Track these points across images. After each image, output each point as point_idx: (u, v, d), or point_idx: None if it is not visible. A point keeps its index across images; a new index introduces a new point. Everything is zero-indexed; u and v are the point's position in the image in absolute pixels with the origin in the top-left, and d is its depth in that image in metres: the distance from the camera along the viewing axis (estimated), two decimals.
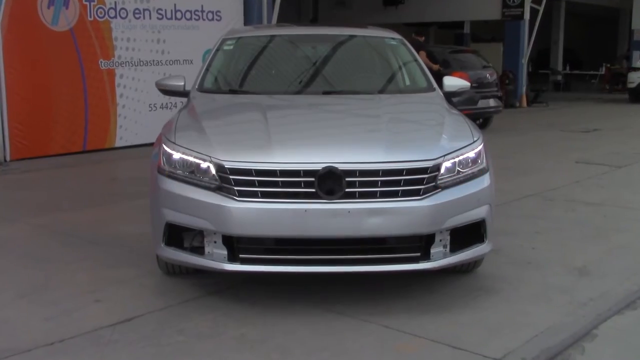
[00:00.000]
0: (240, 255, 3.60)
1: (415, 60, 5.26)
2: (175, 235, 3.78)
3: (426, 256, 3.67)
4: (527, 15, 17.48)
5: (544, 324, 3.63)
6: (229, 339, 3.45)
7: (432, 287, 4.13)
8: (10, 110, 8.78)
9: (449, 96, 5.00)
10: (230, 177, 3.56)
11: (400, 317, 3.68)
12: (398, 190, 3.55)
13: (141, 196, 6.26)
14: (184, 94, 4.92)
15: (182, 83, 4.92)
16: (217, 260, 3.63)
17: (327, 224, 3.49)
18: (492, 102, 12.43)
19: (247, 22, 11.45)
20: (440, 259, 3.69)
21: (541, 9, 17.21)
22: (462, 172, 3.76)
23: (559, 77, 23.27)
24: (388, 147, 3.70)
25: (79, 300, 3.93)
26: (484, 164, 3.91)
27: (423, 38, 12.26)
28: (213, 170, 3.61)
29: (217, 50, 5.26)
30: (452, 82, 5.05)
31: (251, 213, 3.50)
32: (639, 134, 12.18)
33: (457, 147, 3.81)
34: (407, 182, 3.57)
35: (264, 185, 3.53)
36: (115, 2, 9.73)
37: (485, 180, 3.87)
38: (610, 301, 3.98)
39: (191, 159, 3.70)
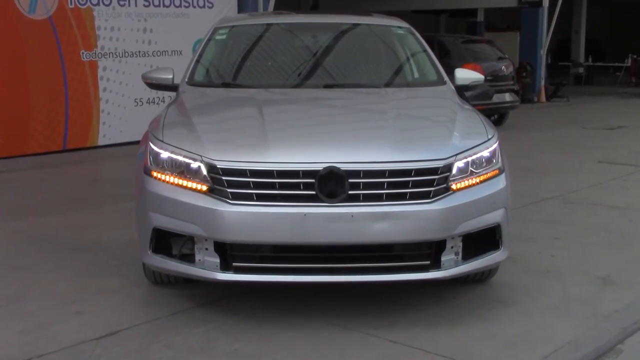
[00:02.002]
0: (234, 264, 3.60)
1: (425, 50, 5.26)
2: (164, 241, 3.78)
3: (436, 264, 3.66)
4: (546, 2, 17.48)
5: (565, 338, 3.63)
6: (222, 354, 3.44)
7: (443, 298, 4.13)
8: None
9: (461, 90, 5.00)
10: (223, 178, 3.56)
11: (408, 331, 3.68)
12: (406, 193, 3.55)
13: (126, 199, 6.26)
14: (172, 87, 4.92)
15: (171, 76, 4.92)
16: (208, 268, 3.63)
17: (329, 230, 3.48)
18: (507, 97, 12.44)
19: (241, 9, 11.47)
20: (451, 267, 3.69)
21: None
22: (476, 173, 3.76)
23: (581, 70, 23.29)
24: (395, 146, 3.70)
25: (59, 312, 3.93)
26: (499, 164, 3.92)
27: None
28: (204, 171, 3.61)
29: (209, 40, 5.27)
30: (465, 74, 5.05)
31: (246, 217, 3.50)
32: None
33: (470, 145, 3.81)
34: (416, 184, 3.57)
35: (259, 187, 3.53)
36: None
37: (500, 182, 3.87)
38: (637, 313, 3.98)
39: (180, 158, 3.70)
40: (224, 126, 4.22)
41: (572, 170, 8.42)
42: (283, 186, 3.53)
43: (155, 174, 3.77)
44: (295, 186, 3.53)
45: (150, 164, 3.81)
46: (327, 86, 4.84)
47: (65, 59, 9.54)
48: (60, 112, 9.58)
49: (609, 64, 24.23)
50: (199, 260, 3.65)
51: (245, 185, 3.54)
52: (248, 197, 3.52)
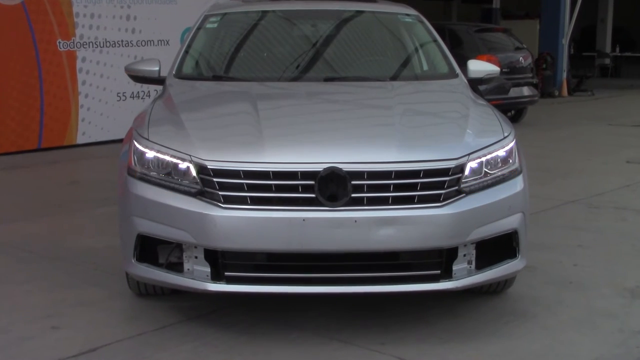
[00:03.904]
0: (226, 273, 3.62)
1: (435, 40, 5.28)
2: (149, 249, 3.79)
3: (447, 274, 3.68)
4: None
5: (589, 356, 3.64)
6: None
7: (455, 311, 4.14)
8: None
9: (475, 84, 5.02)
10: (214, 179, 3.58)
11: (416, 347, 3.69)
12: (414, 196, 3.57)
13: (108, 203, 6.28)
14: (158, 80, 4.94)
15: (157, 68, 4.94)
16: (198, 278, 3.64)
17: (330, 236, 3.50)
18: (526, 91, 12.47)
19: None
20: (464, 277, 3.70)
21: None
22: (491, 174, 3.78)
23: (607, 61, 23.31)
24: (402, 145, 3.71)
25: (33, 327, 3.94)
26: (517, 165, 3.93)
27: None
28: (194, 172, 3.63)
29: (199, 28, 5.29)
30: (479, 66, 5.07)
31: (239, 223, 3.51)
32: None
33: (484, 144, 3.83)
34: (425, 186, 3.59)
35: (254, 189, 3.55)
36: None
37: (517, 184, 3.89)
38: None
39: (168, 158, 3.72)
40: (215, 123, 4.23)
41: (597, 172, 8.43)
42: (280, 188, 3.54)
43: (139, 175, 3.78)
44: (293, 188, 3.54)
45: (135, 164, 3.83)
46: (328, 79, 4.86)
47: (40, 49, 9.55)
48: (35, 107, 9.59)
49: (639, 54, 24.23)
50: (188, 269, 3.67)
51: (239, 187, 3.55)
52: (241, 200, 3.54)
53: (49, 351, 3.64)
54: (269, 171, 3.55)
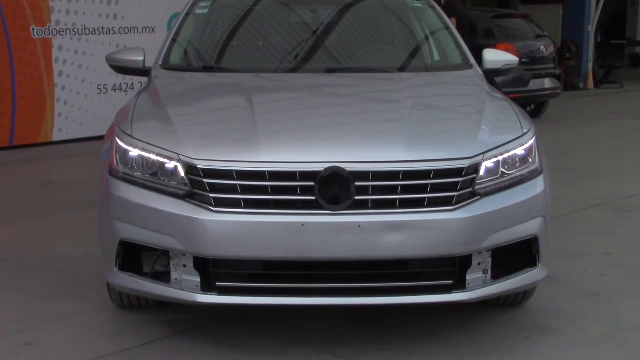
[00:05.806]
0: (217, 284, 3.63)
1: (447, 28, 5.30)
2: (133, 257, 3.80)
3: (461, 284, 3.69)
4: None
5: None
6: None
7: (469, 325, 4.15)
8: None
9: (491, 75, 5.03)
10: (205, 180, 3.59)
11: None
12: (424, 199, 3.58)
13: (87, 206, 6.29)
14: (143, 72, 4.95)
15: (142, 58, 4.95)
16: (187, 289, 3.65)
17: (331, 243, 3.51)
18: (547, 83, 12.49)
19: None
20: (478, 288, 3.71)
21: None
22: (508, 175, 3.79)
23: (638, 50, 23.30)
24: (411, 143, 3.73)
25: (4, 344, 3.94)
26: (537, 164, 3.95)
27: None
28: (182, 172, 3.64)
29: (188, 14, 5.30)
30: (495, 56, 5.08)
31: (232, 228, 3.53)
32: None
33: (501, 142, 3.84)
34: (436, 188, 3.60)
35: (248, 191, 3.56)
36: None
37: (538, 185, 3.90)
38: None
39: (153, 157, 3.73)
40: (205, 119, 4.25)
41: (626, 172, 8.44)
42: (277, 190, 3.55)
43: (122, 175, 3.80)
44: (292, 190, 3.55)
45: (117, 163, 3.84)
46: (329, 71, 4.87)
47: (11, 36, 9.56)
48: (6, 100, 9.60)
49: None
50: (176, 279, 3.68)
51: (232, 189, 3.56)
52: (234, 203, 3.55)
53: None
54: (264, 171, 3.56)
